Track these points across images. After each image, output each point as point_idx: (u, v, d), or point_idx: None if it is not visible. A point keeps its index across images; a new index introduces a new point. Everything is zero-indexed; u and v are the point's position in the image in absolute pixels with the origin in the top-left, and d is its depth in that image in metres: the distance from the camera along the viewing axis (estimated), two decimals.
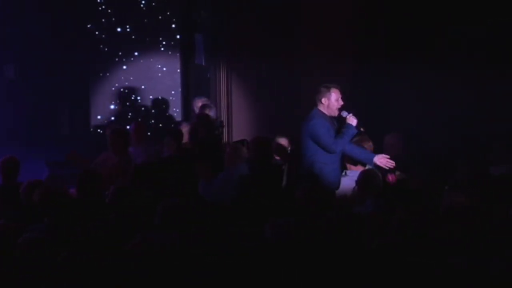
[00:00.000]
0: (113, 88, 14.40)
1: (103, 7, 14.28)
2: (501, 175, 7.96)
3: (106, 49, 14.29)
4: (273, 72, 12.74)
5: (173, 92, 14.58)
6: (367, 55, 12.47)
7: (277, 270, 5.53)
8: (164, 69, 14.50)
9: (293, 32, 12.79)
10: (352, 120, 8.39)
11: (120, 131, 9.56)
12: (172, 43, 14.47)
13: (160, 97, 14.54)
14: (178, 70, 14.55)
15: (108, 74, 14.37)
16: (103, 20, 14.26)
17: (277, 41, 12.77)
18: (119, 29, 14.33)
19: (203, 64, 14.48)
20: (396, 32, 12.24)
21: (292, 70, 12.71)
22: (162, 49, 14.47)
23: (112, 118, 14.33)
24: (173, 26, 14.47)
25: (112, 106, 14.44)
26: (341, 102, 8.42)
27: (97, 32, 14.26)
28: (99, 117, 14.44)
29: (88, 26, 14.26)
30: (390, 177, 8.14)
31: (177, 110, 14.47)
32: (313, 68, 12.36)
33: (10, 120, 14.24)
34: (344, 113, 8.45)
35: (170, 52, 14.49)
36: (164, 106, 14.54)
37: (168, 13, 14.44)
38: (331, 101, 8.39)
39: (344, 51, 12.58)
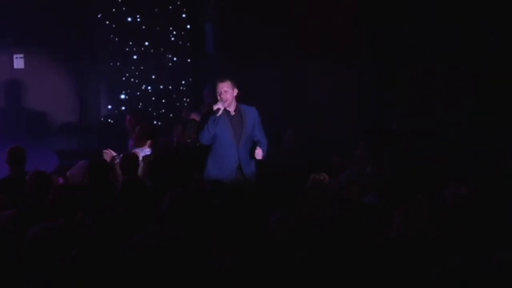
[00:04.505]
0: (123, 78, 14.43)
1: None
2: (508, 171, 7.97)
3: (116, 38, 14.33)
4: (280, 64, 12.77)
5: (183, 81, 14.61)
6: (371, 55, 12.53)
7: (282, 263, 5.54)
8: (174, 58, 14.52)
9: (299, 24, 12.83)
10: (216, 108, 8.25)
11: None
12: (182, 32, 14.49)
13: (170, 87, 14.57)
14: (188, 60, 14.58)
15: (118, 63, 14.39)
16: (114, 9, 14.28)
17: (284, 32, 12.82)
18: (129, 19, 14.35)
19: (213, 53, 14.50)
20: (400, 32, 12.28)
21: (299, 60, 12.75)
22: (172, 38, 14.49)
23: (123, 108, 14.37)
24: (183, 16, 14.49)
25: (122, 96, 14.47)
26: (224, 96, 8.19)
27: (107, 22, 14.28)
28: (109, 106, 14.49)
29: (99, 16, 14.28)
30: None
31: (188, 100, 14.50)
32: (319, 61, 12.40)
33: (21, 110, 14.31)
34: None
35: (180, 42, 14.50)
36: (174, 96, 14.56)
37: (178, 2, 14.45)
38: (216, 94, 8.34)
39: (349, 46, 12.62)
